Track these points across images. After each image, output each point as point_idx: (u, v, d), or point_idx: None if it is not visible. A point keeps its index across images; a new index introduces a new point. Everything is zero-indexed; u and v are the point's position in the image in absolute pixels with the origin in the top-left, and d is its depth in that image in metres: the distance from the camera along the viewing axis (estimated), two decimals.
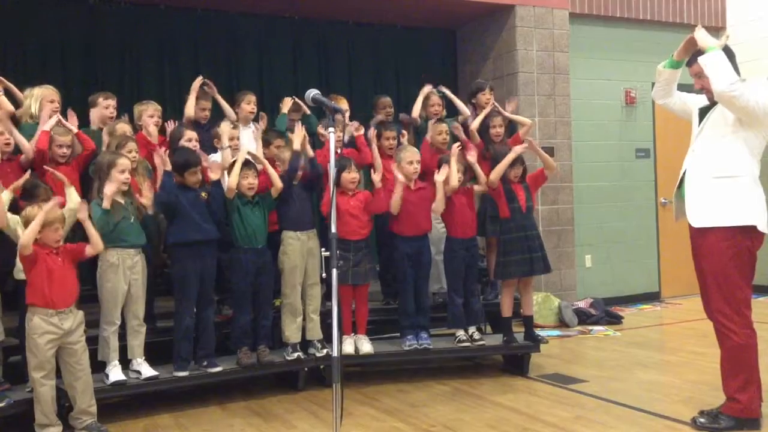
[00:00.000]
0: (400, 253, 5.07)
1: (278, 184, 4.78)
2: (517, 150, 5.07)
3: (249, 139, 5.40)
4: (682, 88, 4.16)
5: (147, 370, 4.40)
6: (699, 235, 3.84)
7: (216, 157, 5.03)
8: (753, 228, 3.70)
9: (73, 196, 4.18)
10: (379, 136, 5.55)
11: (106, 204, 4.21)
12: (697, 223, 3.82)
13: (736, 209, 3.70)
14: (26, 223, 3.85)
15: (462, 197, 5.14)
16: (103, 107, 5.13)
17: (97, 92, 5.30)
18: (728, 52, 3.73)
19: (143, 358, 4.44)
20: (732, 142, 3.74)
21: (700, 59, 3.70)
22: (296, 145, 4.85)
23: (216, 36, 6.94)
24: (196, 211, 4.54)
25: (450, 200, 5.11)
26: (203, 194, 4.59)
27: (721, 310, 3.77)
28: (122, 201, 4.33)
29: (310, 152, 4.95)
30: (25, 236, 3.77)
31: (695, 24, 8.71)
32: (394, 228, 5.10)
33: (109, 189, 4.23)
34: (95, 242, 4.03)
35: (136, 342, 4.41)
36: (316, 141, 5.53)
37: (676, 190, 4.00)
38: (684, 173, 3.93)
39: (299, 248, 4.84)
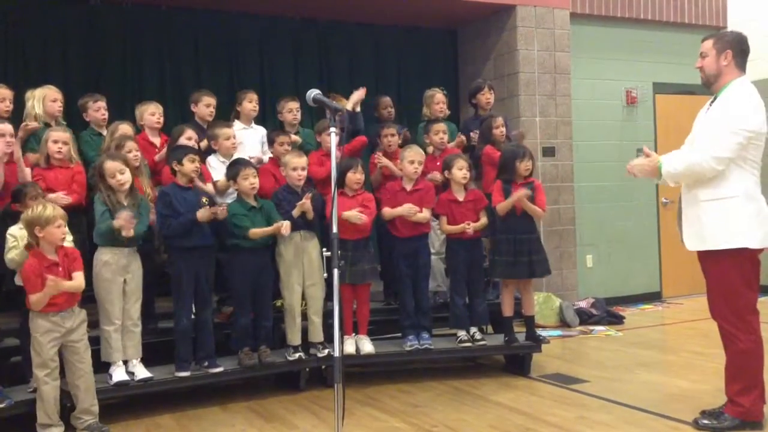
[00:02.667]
0: (397, 253, 5.07)
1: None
2: (519, 195, 4.87)
3: (254, 142, 5.40)
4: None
5: (141, 372, 4.37)
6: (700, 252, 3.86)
7: (212, 161, 5.03)
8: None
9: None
10: (379, 135, 5.55)
11: (115, 224, 4.13)
12: (692, 247, 3.83)
13: (727, 232, 3.68)
14: (30, 224, 3.84)
15: (459, 203, 5.10)
16: (94, 110, 5.12)
17: (86, 96, 5.26)
18: (743, 46, 3.76)
19: (138, 359, 4.41)
20: None
21: (666, 177, 3.77)
22: (296, 212, 4.71)
23: (217, 36, 6.93)
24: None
25: (447, 207, 5.10)
26: (204, 199, 4.55)
27: (724, 315, 3.77)
28: (125, 202, 4.31)
29: (310, 216, 4.77)
30: (40, 300, 3.79)
31: (696, 23, 8.72)
32: (392, 229, 5.09)
33: (124, 217, 4.14)
34: (76, 288, 3.97)
35: (131, 342, 4.37)
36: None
37: (677, 210, 3.97)
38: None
39: (293, 249, 4.81)
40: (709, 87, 3.88)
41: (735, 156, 3.64)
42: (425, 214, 4.99)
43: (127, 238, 4.20)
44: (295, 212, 4.70)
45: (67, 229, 3.93)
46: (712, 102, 3.86)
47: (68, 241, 4.07)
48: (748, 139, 3.63)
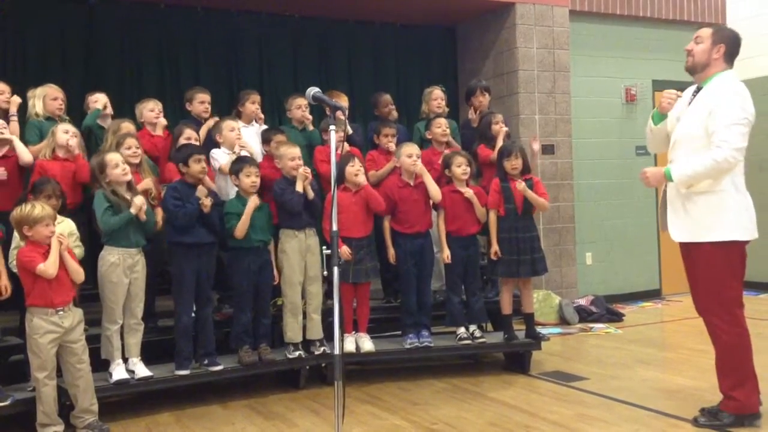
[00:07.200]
0: (403, 250, 5.06)
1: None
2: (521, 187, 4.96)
3: (251, 138, 5.39)
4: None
5: (141, 370, 4.37)
6: (685, 244, 3.85)
7: (216, 154, 5.03)
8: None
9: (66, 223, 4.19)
10: (378, 134, 5.55)
11: (133, 210, 4.23)
12: (678, 238, 3.82)
13: (715, 225, 3.67)
14: (18, 223, 3.83)
15: (461, 196, 5.11)
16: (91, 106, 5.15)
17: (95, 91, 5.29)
18: (736, 45, 3.75)
19: (139, 357, 4.41)
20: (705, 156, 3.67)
21: (680, 182, 3.70)
22: (299, 188, 4.74)
23: (216, 34, 6.92)
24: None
25: (449, 199, 5.11)
26: (207, 200, 4.51)
27: (710, 309, 3.76)
28: (128, 197, 4.30)
29: (311, 194, 4.79)
30: (51, 264, 3.79)
31: (695, 21, 8.72)
32: (395, 226, 5.09)
33: (139, 200, 4.26)
34: (74, 272, 3.97)
35: (134, 341, 4.38)
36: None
37: (661, 200, 3.95)
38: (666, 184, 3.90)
39: (297, 246, 4.81)
40: (693, 74, 3.84)
41: (746, 144, 3.63)
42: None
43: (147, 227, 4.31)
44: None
45: (55, 228, 3.90)
46: (696, 92, 3.81)
47: (76, 244, 4.07)
48: (749, 127, 3.63)
